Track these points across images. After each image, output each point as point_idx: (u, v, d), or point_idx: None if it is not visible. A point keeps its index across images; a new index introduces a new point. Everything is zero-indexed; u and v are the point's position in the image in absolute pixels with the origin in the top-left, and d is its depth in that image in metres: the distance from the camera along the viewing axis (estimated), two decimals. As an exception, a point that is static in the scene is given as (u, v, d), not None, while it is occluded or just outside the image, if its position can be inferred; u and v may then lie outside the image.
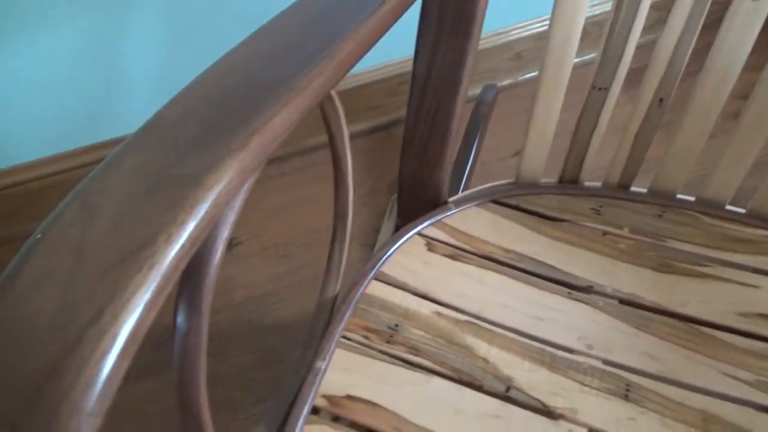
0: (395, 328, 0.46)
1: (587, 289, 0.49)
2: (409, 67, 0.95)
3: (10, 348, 0.18)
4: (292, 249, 0.88)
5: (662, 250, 0.51)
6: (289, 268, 0.86)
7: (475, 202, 0.54)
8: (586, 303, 0.48)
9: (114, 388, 0.18)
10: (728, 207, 0.52)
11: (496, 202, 0.54)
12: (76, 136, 0.86)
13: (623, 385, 0.44)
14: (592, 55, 0.83)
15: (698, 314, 0.47)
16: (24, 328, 0.18)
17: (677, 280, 0.49)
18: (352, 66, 0.28)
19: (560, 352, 0.46)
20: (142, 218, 0.20)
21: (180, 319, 0.24)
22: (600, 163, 0.54)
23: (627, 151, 0.50)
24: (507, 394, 0.43)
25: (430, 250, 0.51)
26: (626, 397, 0.44)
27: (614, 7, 0.45)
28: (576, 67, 0.48)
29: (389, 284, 0.48)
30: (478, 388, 0.44)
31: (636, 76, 0.49)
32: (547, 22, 0.46)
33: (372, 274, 0.48)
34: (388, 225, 0.58)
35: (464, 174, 0.82)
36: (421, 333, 0.46)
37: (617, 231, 0.52)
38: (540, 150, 0.52)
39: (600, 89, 0.47)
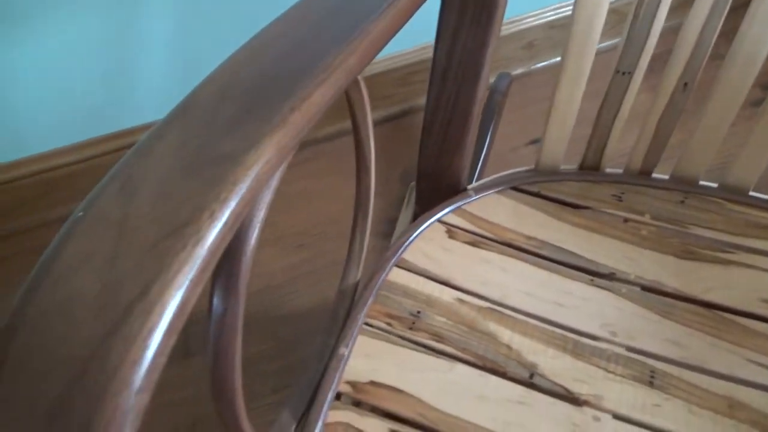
0: (417, 314, 0.46)
1: (610, 276, 0.49)
2: (419, 56, 0.95)
3: (56, 326, 0.18)
4: (308, 239, 0.88)
5: (685, 236, 0.50)
6: (305, 257, 0.86)
7: (495, 189, 0.53)
8: (609, 290, 0.48)
9: (161, 364, 0.18)
10: (752, 193, 0.51)
11: (516, 189, 0.53)
12: (91, 126, 0.86)
13: (647, 371, 0.44)
14: (610, 42, 0.82)
15: (722, 301, 0.47)
16: (69, 306, 0.18)
17: (700, 267, 0.49)
18: (384, 45, 0.28)
19: (583, 339, 0.45)
20: (184, 195, 0.20)
21: (216, 300, 0.24)
22: (620, 150, 0.54)
23: (649, 137, 0.50)
24: (531, 380, 0.43)
25: (450, 237, 0.50)
26: (651, 384, 0.43)
27: (639, -10, 0.45)
28: (596, 54, 0.48)
29: (410, 271, 0.48)
30: (502, 375, 0.43)
31: (656, 63, 0.49)
32: (560, 11, 0.46)
33: (393, 260, 0.48)
34: (406, 213, 0.58)
35: (479, 163, 0.82)
36: (444, 320, 0.46)
37: (639, 218, 0.51)
38: (561, 136, 0.52)
39: (624, 73, 0.47)
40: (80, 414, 0.17)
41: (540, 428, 0.41)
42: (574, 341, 0.45)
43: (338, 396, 0.42)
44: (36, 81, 0.78)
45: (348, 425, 0.40)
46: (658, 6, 0.44)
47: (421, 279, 0.48)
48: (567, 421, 0.41)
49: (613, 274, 0.49)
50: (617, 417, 0.42)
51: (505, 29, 0.95)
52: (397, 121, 1.00)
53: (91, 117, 0.85)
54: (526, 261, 0.49)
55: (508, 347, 0.45)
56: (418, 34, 0.89)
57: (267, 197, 0.24)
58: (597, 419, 0.42)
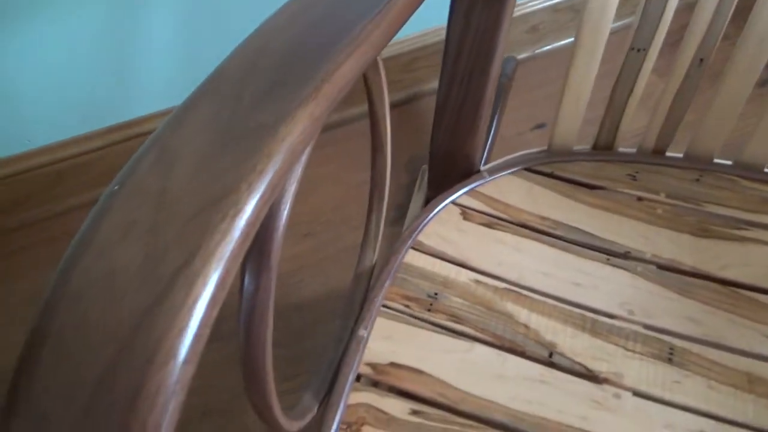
0: (435, 296, 0.46)
1: (626, 255, 0.48)
2: (423, 42, 0.94)
3: (99, 299, 0.17)
4: (314, 227, 0.88)
5: (700, 214, 0.50)
6: (311, 246, 0.86)
7: (509, 171, 0.53)
8: (625, 269, 0.48)
9: (205, 336, 0.18)
10: (766, 170, 0.51)
11: (529, 170, 0.53)
12: (95, 118, 0.85)
13: (666, 349, 0.44)
14: (622, 22, 0.81)
15: (739, 278, 0.47)
16: (112, 277, 0.18)
17: (716, 245, 0.49)
18: (407, 18, 0.28)
19: (601, 318, 0.45)
20: (220, 167, 0.19)
21: (248, 277, 0.24)
22: (632, 131, 0.54)
23: (664, 114, 0.49)
24: (550, 359, 0.43)
25: (465, 218, 0.50)
26: (670, 361, 0.43)
27: (653, -34, 0.44)
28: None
29: (426, 253, 0.48)
30: (521, 354, 0.43)
31: (667, 42, 0.48)
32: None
33: (409, 243, 0.48)
34: (418, 197, 0.58)
35: (486, 148, 0.82)
36: (461, 301, 0.46)
37: (654, 196, 0.51)
38: (574, 116, 0.51)
39: (638, 50, 0.46)
40: (127, 385, 0.17)
41: (561, 406, 0.41)
42: (592, 320, 0.45)
43: (359, 378, 0.42)
44: (39, 73, 0.78)
45: (370, 406, 0.40)
46: (673, -19, 0.44)
47: (438, 261, 0.48)
48: (587, 399, 0.41)
49: (629, 253, 0.49)
50: (637, 394, 0.42)
51: (510, 13, 0.95)
52: (402, 108, 1.00)
53: (96, 108, 0.85)
54: (541, 241, 0.49)
55: (526, 327, 0.45)
56: (422, 19, 0.88)
57: (298, 171, 0.24)
58: (617, 396, 0.42)
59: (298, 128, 0.21)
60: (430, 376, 0.42)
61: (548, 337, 0.44)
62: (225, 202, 0.18)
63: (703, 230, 0.49)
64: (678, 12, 0.47)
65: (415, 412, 0.40)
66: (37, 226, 0.88)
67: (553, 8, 0.97)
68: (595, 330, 0.45)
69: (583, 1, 0.46)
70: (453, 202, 0.51)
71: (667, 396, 0.42)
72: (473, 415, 0.40)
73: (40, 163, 0.85)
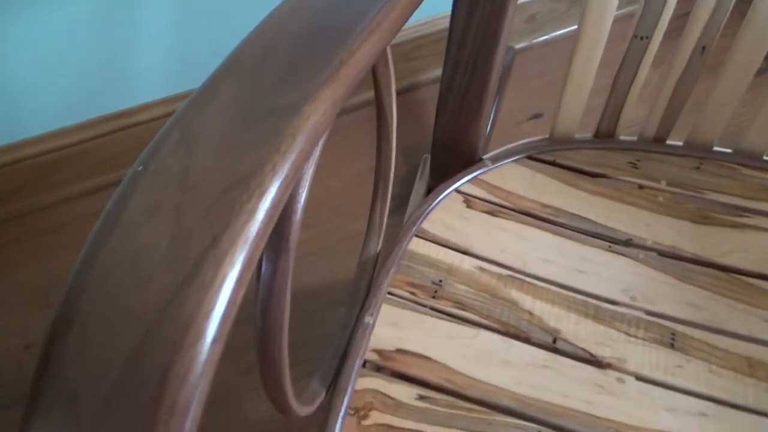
0: (439, 283, 0.46)
1: (627, 242, 0.49)
2: (422, 31, 0.94)
3: (127, 278, 0.17)
4: (314, 217, 0.88)
5: (701, 201, 0.51)
6: (313, 235, 0.86)
7: (511, 159, 0.53)
8: (627, 256, 0.48)
9: (233, 315, 0.18)
10: (766, 158, 0.51)
11: (531, 158, 0.53)
12: (89, 107, 0.84)
13: (668, 334, 0.44)
14: (624, 10, 0.81)
15: (739, 264, 0.48)
16: (139, 257, 0.18)
17: (717, 232, 0.49)
18: (419, 3, 0.28)
19: (604, 304, 0.46)
20: (244, 148, 0.19)
21: (265, 261, 0.24)
22: (633, 120, 0.54)
23: (665, 103, 0.50)
24: (554, 345, 0.44)
25: (468, 206, 0.51)
26: (672, 346, 0.44)
27: (657, -47, 0.44)
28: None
29: (430, 241, 0.48)
30: (526, 340, 0.44)
31: (666, 29, 0.49)
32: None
33: (413, 230, 0.48)
34: (419, 185, 0.58)
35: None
36: (466, 288, 0.46)
37: (655, 184, 0.52)
38: (576, 105, 0.52)
39: (642, 38, 0.46)
40: (156, 366, 0.17)
41: (565, 390, 0.41)
42: (595, 306, 0.46)
43: (365, 364, 0.42)
44: (32, 62, 0.77)
45: (377, 392, 0.40)
46: (677, -31, 0.44)
47: (442, 248, 0.48)
48: (591, 383, 0.42)
49: (631, 240, 0.49)
50: (640, 378, 0.42)
51: (507, 3, 0.95)
52: (401, 97, 1.00)
53: (89, 98, 0.84)
54: (543, 229, 0.50)
55: (530, 313, 0.45)
56: (420, 9, 0.88)
57: (316, 153, 0.24)
58: (621, 381, 0.42)
59: (321, 109, 0.21)
60: (436, 362, 0.42)
61: (552, 323, 0.45)
62: (250, 182, 0.18)
63: (703, 217, 0.50)
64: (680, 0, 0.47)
65: (421, 398, 0.40)
66: (30, 218, 0.88)
67: (550, -2, 0.97)
68: (598, 316, 0.45)
69: (586, -11, 0.46)
70: (456, 190, 0.51)
71: (669, 380, 0.42)
72: (479, 400, 0.41)
73: (32, 154, 0.84)
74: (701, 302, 0.46)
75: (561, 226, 0.50)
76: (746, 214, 0.50)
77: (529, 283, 0.47)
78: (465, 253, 0.48)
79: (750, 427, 0.40)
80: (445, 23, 0.93)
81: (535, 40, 1.01)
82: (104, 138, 0.85)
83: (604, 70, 0.51)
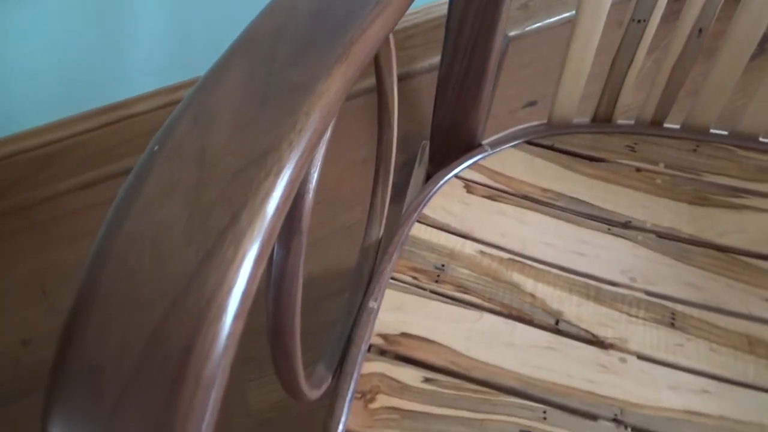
0: (442, 268, 0.46)
1: (626, 225, 0.49)
2: (415, 20, 0.94)
3: (147, 255, 0.18)
4: (309, 206, 0.88)
5: (698, 183, 0.51)
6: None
7: (510, 144, 0.54)
8: (626, 238, 0.49)
9: (253, 292, 0.18)
10: (762, 139, 0.52)
11: (530, 143, 0.54)
12: (84, 100, 0.84)
13: (668, 314, 0.45)
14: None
15: (736, 244, 0.48)
16: (159, 235, 0.18)
17: (714, 213, 0.50)
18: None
19: (605, 286, 0.46)
20: (260, 126, 0.19)
21: (277, 242, 0.24)
22: (630, 105, 0.54)
23: (662, 86, 0.50)
24: (557, 327, 0.44)
25: (468, 192, 0.51)
26: (672, 325, 0.44)
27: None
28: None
29: (432, 226, 0.48)
30: (529, 322, 0.44)
31: (666, 12, 0.49)
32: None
33: (415, 216, 0.48)
34: (418, 172, 0.58)
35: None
36: (468, 272, 0.46)
37: (653, 167, 0.52)
38: (574, 89, 0.52)
39: (639, 21, 0.47)
40: (180, 340, 0.17)
41: (569, 370, 0.42)
42: (596, 288, 0.46)
43: (370, 348, 0.42)
44: (26, 54, 0.76)
45: (383, 375, 0.41)
46: (673, -48, 0.44)
47: (443, 233, 0.48)
48: (594, 363, 0.42)
49: (630, 222, 0.50)
50: (642, 357, 0.43)
51: (500, -9, 0.95)
52: (393, 87, 1.00)
53: (84, 90, 0.83)
54: (543, 213, 0.50)
55: (533, 296, 0.45)
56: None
57: (327, 133, 0.24)
58: (623, 360, 0.43)
59: (334, 87, 0.21)
60: (440, 345, 0.42)
61: (554, 305, 0.45)
62: (267, 159, 0.19)
63: (701, 199, 0.50)
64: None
65: (427, 380, 0.41)
66: (26, 212, 0.87)
67: (543, -15, 0.97)
68: (599, 298, 0.46)
69: (584, -27, 0.46)
70: (456, 176, 0.51)
71: (670, 359, 0.43)
72: (485, 382, 0.41)
73: (26, 147, 0.84)
74: (700, 282, 0.47)
75: (560, 210, 0.50)
76: (743, 195, 0.50)
77: (530, 266, 0.47)
78: (466, 237, 0.48)
79: (751, 402, 0.41)
80: (440, 11, 0.93)
81: (528, 28, 1.01)
82: (99, 130, 0.85)
83: (599, 56, 0.51)
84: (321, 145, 0.24)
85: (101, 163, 0.87)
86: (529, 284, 0.46)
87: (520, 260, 0.47)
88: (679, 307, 0.45)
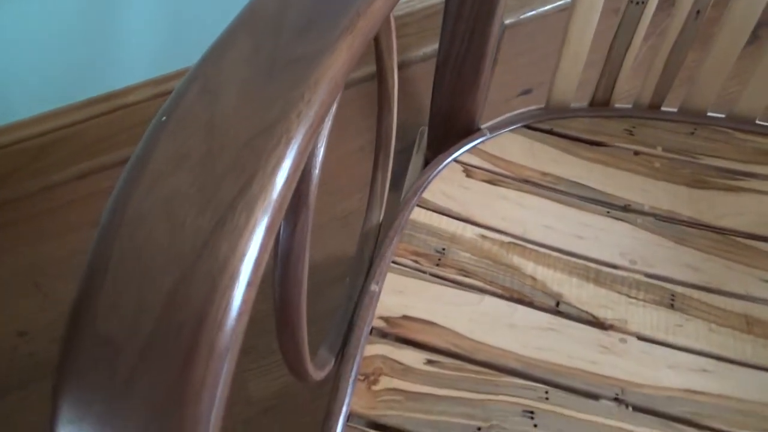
0: (443, 251, 0.46)
1: (625, 208, 0.50)
2: (410, 8, 0.94)
3: (159, 223, 0.17)
4: (306, 196, 0.87)
5: (696, 166, 0.51)
6: (304, 214, 0.86)
7: (508, 128, 0.54)
8: (625, 221, 0.49)
9: (265, 260, 0.18)
10: (758, 122, 0.52)
11: (529, 127, 0.54)
12: (77, 89, 0.83)
13: (668, 295, 0.45)
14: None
15: (735, 226, 0.48)
16: (170, 204, 0.18)
17: (712, 195, 0.50)
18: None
19: (605, 268, 0.46)
20: (268, 96, 0.19)
21: (284, 218, 0.24)
22: (628, 90, 0.54)
23: (660, 69, 0.50)
24: (557, 308, 0.44)
25: (468, 176, 0.51)
26: (672, 306, 0.45)
27: None
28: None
29: (432, 210, 0.48)
30: (529, 304, 0.44)
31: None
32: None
33: (415, 200, 0.48)
34: (417, 158, 0.58)
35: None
36: (469, 255, 0.46)
37: (651, 150, 0.52)
38: (572, 73, 0.52)
39: (637, 3, 0.47)
40: (194, 308, 0.17)
41: (570, 351, 0.42)
42: (595, 270, 0.46)
43: (372, 331, 0.42)
44: (19, 44, 0.75)
45: (386, 357, 0.41)
46: (672, -67, 0.44)
47: (444, 217, 0.48)
48: (595, 344, 0.43)
49: (629, 205, 0.50)
50: (642, 338, 0.43)
51: (495, -21, 0.94)
52: (388, 76, 0.99)
53: (78, 79, 0.82)
54: (543, 196, 0.50)
55: (533, 278, 0.46)
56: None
57: (333, 108, 0.24)
58: (623, 341, 0.43)
59: (340, 60, 0.21)
60: (442, 327, 0.43)
61: (554, 287, 0.45)
62: (277, 128, 0.18)
63: (699, 182, 0.51)
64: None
65: (430, 362, 0.41)
66: (20, 203, 0.86)
67: (538, -27, 0.97)
68: (599, 280, 0.46)
69: (583, -45, 0.46)
70: (455, 160, 0.51)
71: (670, 339, 0.43)
72: (487, 363, 0.41)
73: (20, 137, 0.83)
74: (699, 264, 0.47)
75: (560, 193, 0.50)
76: (740, 177, 0.51)
77: (530, 249, 0.47)
78: (466, 221, 0.48)
79: (749, 381, 0.41)
80: (435, -2, 0.93)
81: (523, 16, 1.01)
82: (94, 120, 0.84)
83: (595, 43, 0.51)
84: (327, 118, 0.24)
85: (96, 154, 0.87)
86: (529, 267, 0.46)
87: (521, 243, 0.47)
88: (679, 289, 0.46)
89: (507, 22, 1.00)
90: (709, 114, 0.53)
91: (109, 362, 0.17)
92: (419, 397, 0.39)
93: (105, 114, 0.85)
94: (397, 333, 0.42)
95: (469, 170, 0.51)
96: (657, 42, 0.50)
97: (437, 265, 0.46)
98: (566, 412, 0.39)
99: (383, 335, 0.42)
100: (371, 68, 0.96)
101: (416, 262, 0.46)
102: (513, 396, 0.40)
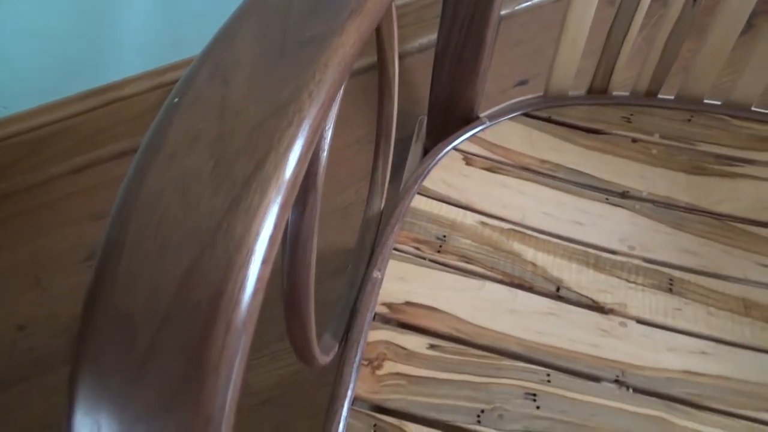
0: (443, 238, 0.47)
1: (623, 194, 0.50)
2: None
3: (174, 202, 0.18)
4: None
5: (693, 153, 0.52)
6: (303, 206, 0.86)
7: (507, 116, 0.54)
8: (624, 207, 0.49)
9: (279, 238, 0.18)
10: (754, 108, 0.53)
11: (527, 115, 0.54)
12: (72, 83, 0.83)
13: (666, 280, 0.46)
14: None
15: (732, 211, 0.49)
16: (184, 183, 0.18)
17: (709, 181, 0.50)
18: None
19: (604, 254, 0.47)
20: (280, 77, 0.19)
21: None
22: (625, 77, 0.55)
23: (657, 56, 0.51)
24: (558, 293, 0.45)
25: (468, 164, 0.51)
26: (670, 291, 0.45)
27: None
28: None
29: (432, 198, 0.49)
30: (530, 290, 0.45)
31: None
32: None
33: (415, 188, 0.49)
34: (416, 147, 0.58)
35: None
36: (469, 242, 0.47)
37: (648, 137, 0.53)
38: (571, 60, 0.52)
39: (635, -8, 0.47)
40: (211, 285, 0.17)
41: (571, 335, 0.43)
42: (595, 256, 0.47)
43: (375, 317, 0.42)
44: (14, 36, 0.75)
45: (389, 343, 0.41)
46: None
47: (444, 205, 0.49)
48: (595, 328, 0.43)
49: (627, 192, 0.50)
50: (641, 322, 0.44)
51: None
52: (385, 68, 0.99)
53: (72, 73, 0.82)
54: (542, 183, 0.50)
55: (533, 264, 0.46)
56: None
57: (340, 91, 0.24)
58: (623, 325, 0.43)
59: (349, 42, 0.21)
60: (445, 313, 0.43)
61: (555, 273, 0.46)
62: (289, 109, 0.19)
63: (696, 168, 0.51)
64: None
65: (432, 347, 0.41)
66: (18, 197, 0.86)
67: (533, -36, 0.97)
68: (598, 265, 0.46)
69: (581, -57, 0.46)
70: (455, 148, 0.52)
71: (669, 322, 0.44)
72: (489, 347, 0.42)
73: (16, 131, 0.83)
74: (697, 249, 0.47)
75: (559, 181, 0.51)
76: (737, 163, 0.51)
77: (530, 235, 0.47)
78: (467, 208, 0.49)
79: (747, 362, 0.42)
80: (431, -11, 0.93)
81: (518, 6, 1.01)
82: (90, 113, 0.84)
83: (591, 33, 0.51)
84: (336, 101, 0.24)
85: (93, 147, 0.86)
86: (529, 253, 0.47)
87: (521, 230, 0.48)
88: (677, 273, 0.46)
89: (503, 12, 1.00)
90: (706, 101, 0.54)
91: (128, 337, 0.17)
92: (423, 381, 0.40)
93: (101, 107, 0.84)
94: (399, 319, 0.42)
95: (468, 158, 0.51)
96: (654, 30, 0.50)
97: (438, 251, 0.46)
98: (568, 394, 0.40)
99: (386, 321, 0.42)
100: (367, 60, 0.96)
101: (418, 249, 0.46)
102: (515, 379, 0.40)
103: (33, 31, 0.75)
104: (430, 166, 0.50)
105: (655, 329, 0.43)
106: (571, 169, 0.51)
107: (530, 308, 0.44)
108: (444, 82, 0.52)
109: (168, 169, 0.18)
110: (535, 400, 0.39)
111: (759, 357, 0.42)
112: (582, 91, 0.55)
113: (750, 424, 0.39)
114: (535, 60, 0.99)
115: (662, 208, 0.49)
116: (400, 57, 0.97)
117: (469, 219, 0.48)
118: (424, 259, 0.46)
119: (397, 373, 0.40)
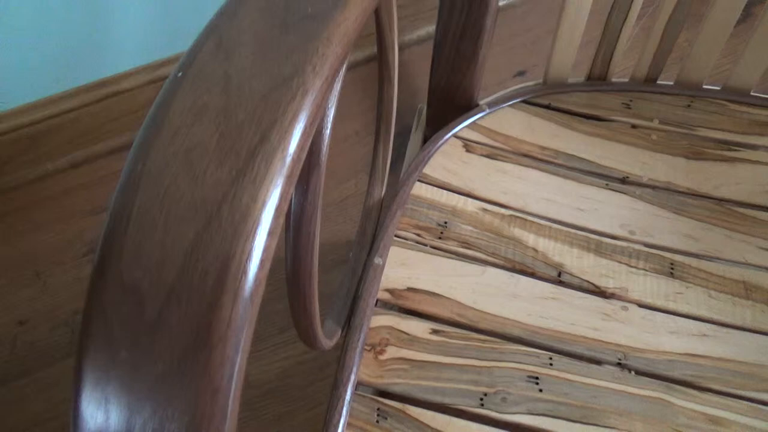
0: (444, 225, 0.47)
1: (624, 180, 0.50)
2: (403, -8, 0.93)
3: (180, 174, 0.18)
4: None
5: (693, 138, 0.52)
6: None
7: (507, 103, 0.54)
8: (624, 193, 0.50)
9: (285, 209, 0.18)
10: (753, 93, 0.53)
11: (527, 102, 0.54)
12: (67, 78, 0.82)
13: (667, 264, 0.46)
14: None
15: (732, 196, 0.49)
16: (190, 155, 0.18)
17: (709, 166, 0.51)
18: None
19: (605, 239, 0.47)
20: (283, 50, 0.19)
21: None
22: (625, 64, 0.55)
23: (656, 42, 0.51)
24: (559, 278, 0.45)
25: (468, 151, 0.51)
26: (671, 275, 0.45)
27: None
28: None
29: (433, 185, 0.49)
30: (531, 275, 0.45)
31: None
32: None
33: (416, 175, 0.49)
34: (416, 135, 0.58)
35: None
36: (470, 228, 0.47)
37: (648, 123, 0.53)
38: (570, 48, 0.52)
39: (634, -24, 0.47)
40: (218, 255, 0.17)
41: (573, 319, 0.43)
42: (596, 241, 0.47)
43: (377, 302, 0.42)
44: (9, 31, 0.75)
45: (392, 328, 0.41)
46: None
47: (444, 192, 0.49)
48: (598, 312, 0.43)
49: (627, 177, 0.50)
50: (643, 305, 0.44)
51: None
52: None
53: (69, 66, 0.82)
54: (542, 170, 0.50)
55: (535, 250, 0.46)
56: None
57: (343, 69, 0.24)
58: (625, 308, 0.44)
59: (351, 16, 0.21)
60: (446, 298, 0.43)
61: (556, 258, 0.46)
62: (293, 82, 0.19)
63: (696, 153, 0.51)
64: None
65: (435, 332, 0.41)
66: (16, 192, 0.86)
67: (530, -45, 0.97)
68: (599, 250, 0.46)
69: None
70: (455, 135, 0.52)
71: (670, 306, 0.44)
72: (491, 332, 0.42)
73: (12, 126, 0.83)
74: (697, 233, 0.48)
75: (559, 167, 0.51)
76: (736, 148, 0.51)
77: (531, 221, 0.48)
78: (468, 195, 0.49)
79: (748, 344, 0.42)
80: (429, -21, 0.93)
81: (516, -2, 1.01)
82: (87, 108, 0.84)
83: (589, 22, 0.51)
84: (338, 78, 0.24)
85: (90, 142, 0.86)
86: (530, 239, 0.47)
87: (522, 216, 0.48)
88: (678, 257, 0.46)
89: (500, 4, 1.00)
90: (705, 86, 0.54)
91: (136, 308, 0.17)
92: (426, 366, 0.40)
93: (98, 101, 0.84)
94: (402, 304, 0.43)
95: (468, 145, 0.51)
96: (653, 16, 0.50)
97: (439, 238, 0.46)
98: (570, 377, 0.40)
99: (388, 307, 0.42)
100: (364, 53, 0.96)
101: (419, 235, 0.46)
102: (518, 363, 0.40)
103: (28, 25, 0.75)
104: (431, 153, 0.50)
105: (656, 312, 0.44)
106: (571, 155, 0.51)
107: (532, 293, 0.44)
108: (443, 70, 0.52)
109: (173, 141, 0.18)
110: (537, 383, 0.40)
111: (759, 339, 0.42)
112: (581, 78, 0.56)
113: (750, 404, 0.40)
114: (533, 51, 0.98)
115: (662, 193, 0.49)
116: (399, 49, 0.97)
117: (470, 205, 0.48)
118: (426, 245, 0.46)
119: (400, 358, 0.40)
